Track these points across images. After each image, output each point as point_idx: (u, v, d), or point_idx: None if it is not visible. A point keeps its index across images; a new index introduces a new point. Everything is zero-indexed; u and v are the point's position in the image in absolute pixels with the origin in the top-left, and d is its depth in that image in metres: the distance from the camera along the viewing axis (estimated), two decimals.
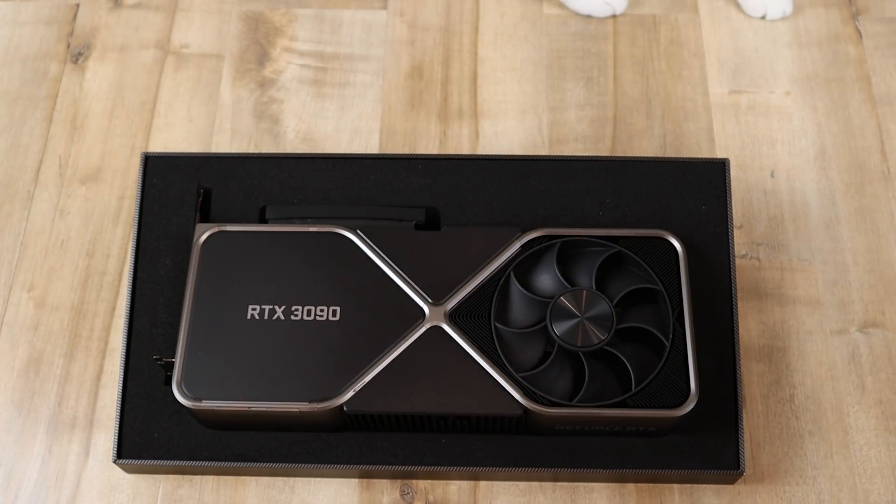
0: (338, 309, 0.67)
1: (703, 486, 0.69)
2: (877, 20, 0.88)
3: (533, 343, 0.67)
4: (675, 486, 0.69)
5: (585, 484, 0.69)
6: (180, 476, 0.70)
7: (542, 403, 0.64)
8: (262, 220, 0.73)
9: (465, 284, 0.68)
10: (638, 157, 0.76)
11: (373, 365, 0.65)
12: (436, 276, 0.68)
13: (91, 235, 0.79)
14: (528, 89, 0.86)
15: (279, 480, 0.70)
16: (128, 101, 0.86)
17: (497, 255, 0.68)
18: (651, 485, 0.69)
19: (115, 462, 0.68)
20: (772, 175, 0.81)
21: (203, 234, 0.70)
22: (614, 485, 0.69)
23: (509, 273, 0.68)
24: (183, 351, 0.66)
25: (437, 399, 0.64)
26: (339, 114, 0.85)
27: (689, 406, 0.64)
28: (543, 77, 0.86)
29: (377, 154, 0.80)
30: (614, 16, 0.89)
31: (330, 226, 0.70)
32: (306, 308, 0.67)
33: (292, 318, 0.67)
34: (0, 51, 0.88)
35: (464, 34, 0.89)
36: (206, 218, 0.74)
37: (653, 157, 0.77)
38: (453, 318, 0.67)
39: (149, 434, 0.68)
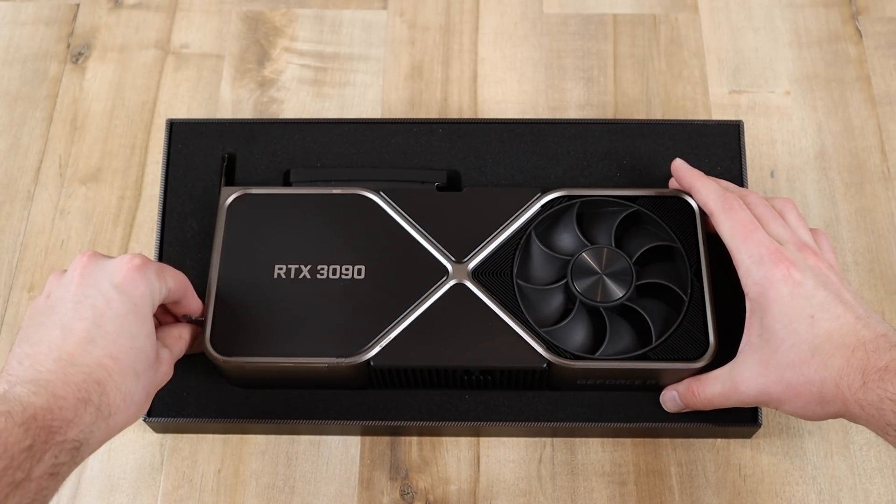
0: (363, 268, 0.68)
1: (703, 486, 0.69)
2: (877, 20, 0.88)
3: (554, 299, 0.68)
4: (674, 481, 0.69)
5: (585, 483, 0.69)
6: (180, 476, 0.70)
7: (565, 357, 0.65)
8: (287, 184, 0.75)
9: (487, 243, 0.69)
10: (654, 120, 0.79)
11: (398, 321, 0.66)
12: (458, 235, 0.69)
13: (91, 235, 0.79)
14: (528, 89, 0.86)
15: (279, 481, 0.70)
16: (128, 101, 0.86)
17: (518, 215, 0.70)
18: (650, 484, 0.69)
19: (144, 420, 0.69)
20: (772, 175, 0.81)
21: (229, 196, 0.71)
22: (614, 485, 0.69)
23: (530, 232, 0.69)
24: (211, 310, 0.67)
25: (462, 353, 0.66)
26: (339, 114, 0.85)
27: (708, 358, 0.65)
28: (543, 77, 0.87)
29: (398, 119, 0.81)
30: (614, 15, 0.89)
31: (353, 187, 0.71)
32: (331, 267, 0.68)
33: (318, 276, 0.68)
34: (0, 51, 0.88)
35: (464, 34, 0.89)
36: (231, 181, 0.75)
37: (668, 120, 0.79)
38: (476, 275, 0.68)
39: (177, 393, 0.69)
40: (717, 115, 0.84)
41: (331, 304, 0.67)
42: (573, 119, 0.80)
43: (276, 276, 0.68)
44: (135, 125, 0.84)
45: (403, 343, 0.66)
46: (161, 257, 0.74)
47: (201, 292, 0.68)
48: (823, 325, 0.59)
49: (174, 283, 0.63)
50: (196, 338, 0.67)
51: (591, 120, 0.78)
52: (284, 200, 0.71)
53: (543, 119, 0.79)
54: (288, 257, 0.69)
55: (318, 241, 0.69)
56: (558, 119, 0.79)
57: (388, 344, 0.66)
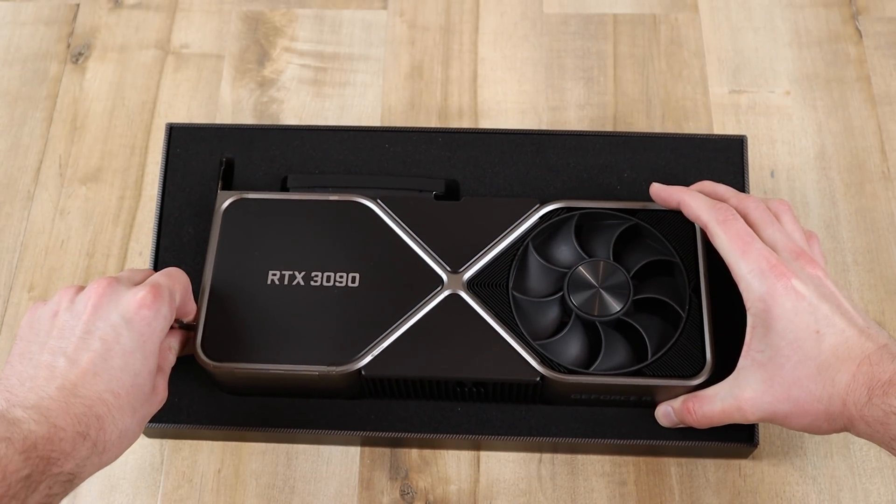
0: (357, 276, 0.68)
1: (703, 486, 0.69)
2: (877, 20, 0.88)
3: (550, 312, 0.68)
4: (674, 480, 0.69)
5: (585, 483, 0.69)
6: (180, 476, 0.70)
7: (559, 371, 0.64)
8: (284, 189, 0.74)
9: (483, 254, 0.68)
10: (656, 133, 0.78)
11: (391, 330, 0.66)
12: (454, 245, 0.69)
13: (91, 235, 0.79)
14: (528, 89, 0.86)
15: (279, 481, 0.70)
16: (128, 101, 0.86)
17: (515, 226, 0.69)
18: (650, 484, 0.69)
19: None
20: (772, 175, 0.81)
21: (225, 201, 0.71)
22: (614, 485, 0.69)
23: (527, 243, 0.68)
24: (203, 314, 0.66)
25: (455, 365, 0.65)
26: (339, 114, 0.85)
27: (705, 376, 0.64)
28: (543, 77, 0.87)
29: (398, 127, 0.80)
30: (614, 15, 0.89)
31: (350, 195, 0.71)
32: (326, 274, 0.68)
33: (312, 283, 0.68)
34: (0, 51, 0.88)
35: (464, 34, 0.89)
36: (228, 186, 0.75)
37: (671, 133, 0.78)
38: (471, 286, 0.67)
39: (170, 399, 0.68)
40: (717, 115, 0.84)
41: (324, 311, 0.67)
42: (574, 131, 0.78)
43: (269, 282, 0.68)
44: (135, 125, 0.84)
45: (396, 353, 0.65)
46: (157, 262, 0.73)
47: (196, 297, 0.68)
48: (829, 340, 0.58)
49: (180, 298, 0.62)
50: (185, 343, 0.66)
51: (592, 132, 0.77)
52: (280, 206, 0.71)
53: (544, 130, 0.78)
54: (282, 263, 0.68)
55: (313, 248, 0.69)
56: (559, 131, 0.78)
57: (381, 353, 0.65)
